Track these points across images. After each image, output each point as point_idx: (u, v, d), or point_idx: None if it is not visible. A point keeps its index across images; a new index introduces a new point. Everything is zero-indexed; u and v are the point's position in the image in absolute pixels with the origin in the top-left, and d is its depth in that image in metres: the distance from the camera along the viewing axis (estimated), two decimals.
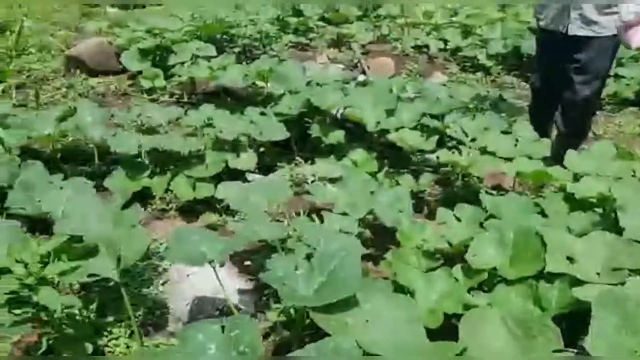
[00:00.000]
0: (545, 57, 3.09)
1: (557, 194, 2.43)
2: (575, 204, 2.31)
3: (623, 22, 2.59)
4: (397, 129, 3.15)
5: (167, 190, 2.80)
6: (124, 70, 4.81)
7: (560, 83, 2.97)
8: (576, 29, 2.76)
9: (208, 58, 4.49)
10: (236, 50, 5.31)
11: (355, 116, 3.11)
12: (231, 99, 4.12)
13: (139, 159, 2.87)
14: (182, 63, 4.45)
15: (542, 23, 2.96)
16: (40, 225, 2.40)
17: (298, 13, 6.41)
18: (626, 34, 2.61)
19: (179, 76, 4.28)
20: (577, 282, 1.76)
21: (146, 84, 4.45)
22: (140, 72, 4.57)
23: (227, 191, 2.46)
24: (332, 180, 2.69)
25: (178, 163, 2.88)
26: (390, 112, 3.22)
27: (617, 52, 2.92)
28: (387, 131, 3.14)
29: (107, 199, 2.29)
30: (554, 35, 2.87)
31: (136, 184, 2.76)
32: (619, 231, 1.99)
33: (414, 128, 3.16)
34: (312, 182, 2.85)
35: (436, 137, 3.03)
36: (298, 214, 2.57)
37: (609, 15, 2.68)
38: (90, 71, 4.77)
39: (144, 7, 8.39)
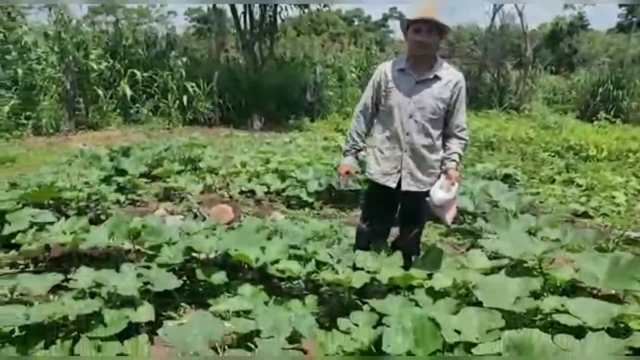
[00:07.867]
0: (376, 206, 3.54)
1: (421, 289, 3.14)
2: (437, 294, 3.03)
3: (434, 206, 3.21)
4: (272, 263, 3.60)
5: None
6: None
7: (386, 228, 3.60)
8: (407, 185, 3.32)
9: (46, 224, 4.41)
10: (71, 213, 5.21)
11: (241, 255, 3.47)
12: (90, 262, 4.06)
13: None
14: (23, 231, 4.27)
15: (375, 178, 3.38)
16: None
17: (122, 172, 6.59)
18: (440, 213, 3.25)
19: (28, 244, 4.07)
20: (471, 345, 2.38)
21: None
22: None
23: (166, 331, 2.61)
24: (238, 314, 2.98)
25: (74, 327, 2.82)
26: (263, 249, 3.68)
27: None
28: (265, 265, 3.57)
29: None
30: (386, 189, 3.37)
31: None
32: (477, 304, 2.74)
33: (288, 259, 3.65)
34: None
35: (313, 263, 3.55)
36: (230, 347, 2.75)
37: (431, 177, 3.30)
38: None
39: None
